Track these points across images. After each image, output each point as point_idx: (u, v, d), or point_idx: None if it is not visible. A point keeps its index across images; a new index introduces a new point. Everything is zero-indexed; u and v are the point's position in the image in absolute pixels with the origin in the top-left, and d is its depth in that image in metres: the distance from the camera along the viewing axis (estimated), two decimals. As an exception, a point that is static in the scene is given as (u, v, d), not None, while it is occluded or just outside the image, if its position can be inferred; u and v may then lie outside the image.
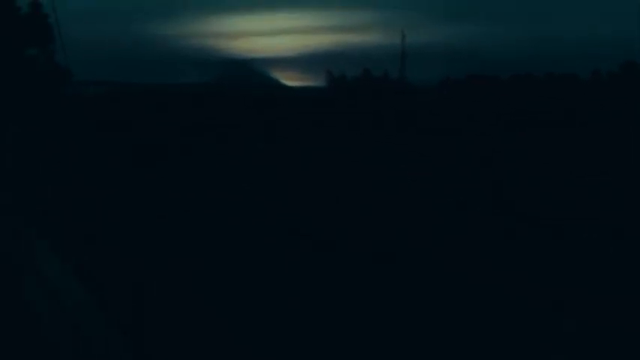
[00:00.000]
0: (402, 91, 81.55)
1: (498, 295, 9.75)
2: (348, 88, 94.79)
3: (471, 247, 13.42)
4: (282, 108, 68.95)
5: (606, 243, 13.23)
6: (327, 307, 9.56)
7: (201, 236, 14.55)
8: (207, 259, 12.45)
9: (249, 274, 11.41)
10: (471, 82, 70.55)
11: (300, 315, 9.21)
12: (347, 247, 13.10)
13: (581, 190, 21.35)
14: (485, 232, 14.97)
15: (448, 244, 13.65)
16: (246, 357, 7.68)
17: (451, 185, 23.41)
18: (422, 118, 54.30)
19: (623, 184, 22.73)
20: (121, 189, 22.11)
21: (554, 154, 34.09)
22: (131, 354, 7.70)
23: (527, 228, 15.44)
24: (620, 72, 66.05)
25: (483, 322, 8.66)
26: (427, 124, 49.48)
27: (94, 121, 50.18)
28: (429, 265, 11.78)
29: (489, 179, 24.49)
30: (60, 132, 44.69)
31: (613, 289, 10.00)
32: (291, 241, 13.72)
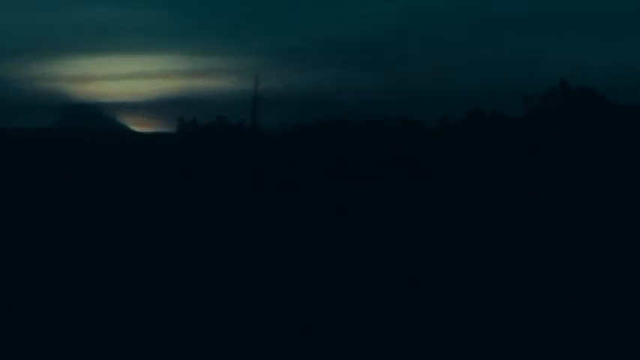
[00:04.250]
0: (253, 137, 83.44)
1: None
2: (200, 134, 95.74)
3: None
4: (120, 154, 69.49)
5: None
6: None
7: None
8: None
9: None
10: (321, 128, 73.25)
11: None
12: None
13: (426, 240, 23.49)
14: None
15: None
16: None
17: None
18: (271, 167, 56.20)
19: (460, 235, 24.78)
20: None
21: (400, 203, 36.03)
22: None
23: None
24: (467, 120, 70.05)
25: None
26: (276, 175, 51.33)
27: None
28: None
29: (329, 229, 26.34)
30: None
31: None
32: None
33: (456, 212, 31.68)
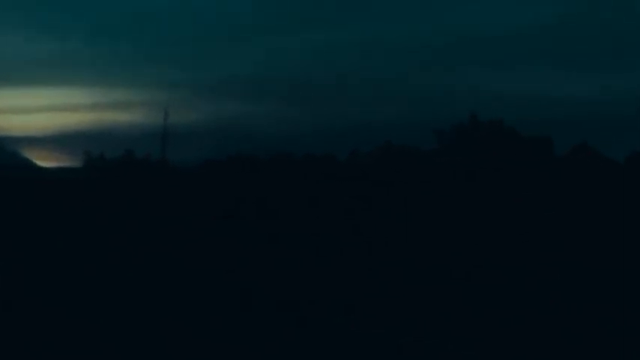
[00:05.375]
0: (162, 172, 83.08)
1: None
2: (106, 169, 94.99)
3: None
4: (24, 189, 68.45)
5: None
6: None
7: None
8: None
9: None
10: (232, 163, 73.34)
11: None
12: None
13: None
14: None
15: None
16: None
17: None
18: (178, 201, 56.01)
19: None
20: None
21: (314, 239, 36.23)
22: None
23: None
24: (379, 153, 70.90)
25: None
26: (181, 209, 51.18)
27: None
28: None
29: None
30: None
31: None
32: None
33: (369, 248, 32.00)
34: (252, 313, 14.98)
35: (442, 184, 65.63)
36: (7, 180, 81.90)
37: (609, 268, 23.68)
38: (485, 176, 68.27)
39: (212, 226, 42.53)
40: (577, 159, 70.85)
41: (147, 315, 16.62)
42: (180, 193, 63.68)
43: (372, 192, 60.73)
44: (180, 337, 12.85)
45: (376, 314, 13.77)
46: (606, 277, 21.76)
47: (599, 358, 11.91)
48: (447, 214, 47.74)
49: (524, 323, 13.63)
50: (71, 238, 36.04)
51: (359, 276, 23.22)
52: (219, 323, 13.87)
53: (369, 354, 11.15)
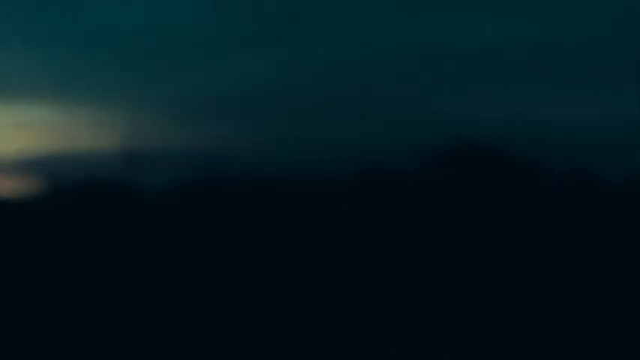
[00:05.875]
0: (127, 196, 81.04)
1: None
2: (69, 193, 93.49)
3: None
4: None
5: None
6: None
7: None
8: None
9: None
10: (207, 186, 71.31)
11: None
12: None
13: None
14: None
15: None
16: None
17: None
18: (148, 228, 53.93)
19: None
20: None
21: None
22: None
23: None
24: (362, 175, 69.21)
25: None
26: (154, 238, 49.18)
27: None
28: None
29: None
30: None
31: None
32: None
33: (357, 266, 31.53)
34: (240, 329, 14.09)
35: (428, 209, 63.95)
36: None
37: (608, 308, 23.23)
38: (474, 201, 66.48)
39: (193, 246, 41.73)
40: (572, 184, 69.24)
41: (132, 335, 15.49)
42: (151, 218, 62.21)
43: (355, 216, 59.47)
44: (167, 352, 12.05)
45: (368, 326, 12.79)
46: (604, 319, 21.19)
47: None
48: (433, 239, 46.89)
49: (516, 349, 12.78)
50: (39, 270, 35.57)
51: (349, 291, 22.77)
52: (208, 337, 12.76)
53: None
